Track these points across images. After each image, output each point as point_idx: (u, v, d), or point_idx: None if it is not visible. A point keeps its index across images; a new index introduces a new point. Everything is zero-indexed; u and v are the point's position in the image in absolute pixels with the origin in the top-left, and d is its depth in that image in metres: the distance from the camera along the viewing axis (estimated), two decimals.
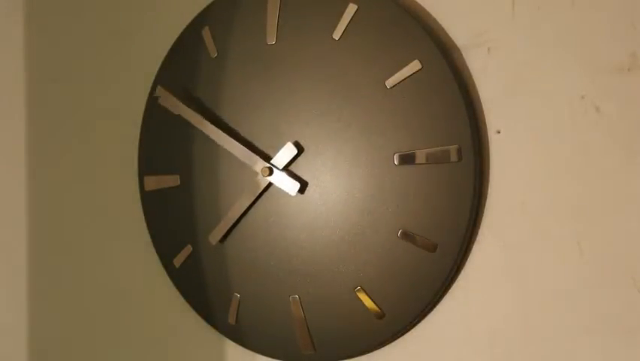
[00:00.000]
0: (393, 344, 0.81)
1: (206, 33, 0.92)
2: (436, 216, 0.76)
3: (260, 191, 0.85)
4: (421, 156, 0.76)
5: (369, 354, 0.83)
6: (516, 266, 0.75)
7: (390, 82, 0.78)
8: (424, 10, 0.80)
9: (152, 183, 0.97)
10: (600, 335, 0.70)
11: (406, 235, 0.77)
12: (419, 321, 0.79)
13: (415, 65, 0.77)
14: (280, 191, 0.84)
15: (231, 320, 0.90)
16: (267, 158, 0.85)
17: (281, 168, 0.84)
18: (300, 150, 0.83)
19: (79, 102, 1.07)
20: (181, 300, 0.96)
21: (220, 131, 0.88)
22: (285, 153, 0.83)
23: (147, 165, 0.97)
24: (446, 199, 0.75)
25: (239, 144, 0.86)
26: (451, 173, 0.75)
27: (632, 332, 0.69)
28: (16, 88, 1.12)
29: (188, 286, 0.94)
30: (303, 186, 0.83)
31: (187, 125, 0.93)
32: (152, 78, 0.97)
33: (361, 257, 0.80)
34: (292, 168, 0.84)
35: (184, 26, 0.94)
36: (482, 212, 0.77)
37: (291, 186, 0.83)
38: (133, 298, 1.02)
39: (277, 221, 0.85)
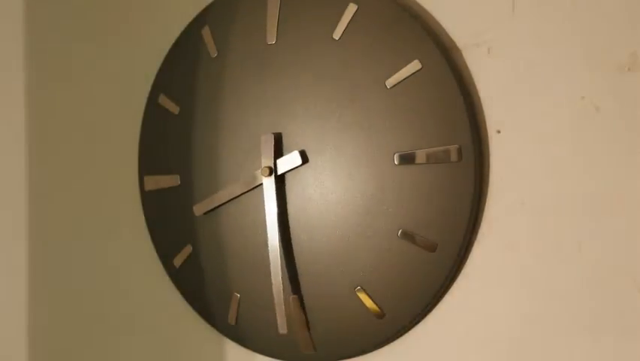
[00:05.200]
0: (393, 344, 0.81)
1: (206, 33, 0.92)
2: (436, 216, 0.76)
3: (255, 185, 0.85)
4: (421, 156, 0.76)
5: (369, 354, 0.83)
6: (516, 266, 0.75)
7: (390, 82, 0.78)
8: (424, 10, 0.80)
9: (152, 183, 0.97)
10: (600, 335, 0.70)
11: (406, 235, 0.77)
12: (419, 321, 0.79)
13: (415, 65, 0.77)
14: (280, 191, 0.84)
15: (231, 320, 0.90)
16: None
17: (281, 172, 0.84)
18: (305, 160, 0.83)
19: (79, 102, 1.07)
20: (181, 300, 0.96)
21: (220, 131, 0.88)
22: (288, 160, 0.83)
23: (147, 165, 0.97)
24: (446, 199, 0.75)
25: (239, 144, 0.86)
26: (451, 173, 0.75)
27: (632, 332, 0.69)
28: (16, 88, 1.12)
29: (188, 286, 0.94)
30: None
31: (187, 125, 0.93)
32: (152, 78, 0.97)
33: (361, 257, 0.80)
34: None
35: (184, 26, 0.94)
36: (482, 212, 0.77)
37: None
38: (133, 298, 1.02)
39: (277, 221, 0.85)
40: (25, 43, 1.12)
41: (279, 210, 0.83)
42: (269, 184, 0.83)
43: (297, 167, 0.83)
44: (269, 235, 0.82)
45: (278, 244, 0.82)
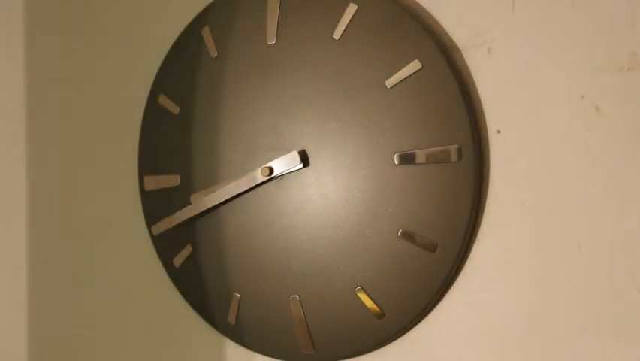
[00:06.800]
0: (393, 344, 0.81)
1: (206, 33, 0.92)
2: (436, 216, 0.76)
3: (255, 184, 0.85)
4: (421, 156, 0.76)
5: (369, 354, 0.83)
6: (516, 266, 0.75)
7: (390, 82, 0.78)
8: (424, 10, 0.80)
9: (152, 183, 0.97)
10: (600, 335, 0.71)
11: (406, 235, 0.77)
12: (419, 321, 0.79)
13: (415, 65, 0.77)
14: (280, 191, 0.85)
15: (231, 319, 0.90)
16: (268, 159, 0.85)
17: (281, 173, 0.84)
18: (305, 162, 0.83)
19: (79, 102, 1.07)
20: (181, 300, 0.96)
21: (220, 131, 0.88)
22: (289, 162, 0.83)
23: (147, 165, 0.97)
24: (446, 199, 0.75)
25: (239, 144, 0.86)
26: (451, 173, 0.75)
27: (632, 332, 0.69)
28: (16, 88, 1.12)
29: (188, 286, 0.94)
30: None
31: (187, 125, 0.93)
32: (152, 78, 0.97)
33: (361, 257, 0.80)
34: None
35: (184, 26, 0.94)
36: (482, 212, 0.77)
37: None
38: (133, 298, 1.02)
39: (277, 221, 0.85)
40: (25, 43, 1.12)
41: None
42: (256, 177, 0.85)
43: (297, 169, 0.83)
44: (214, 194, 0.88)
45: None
